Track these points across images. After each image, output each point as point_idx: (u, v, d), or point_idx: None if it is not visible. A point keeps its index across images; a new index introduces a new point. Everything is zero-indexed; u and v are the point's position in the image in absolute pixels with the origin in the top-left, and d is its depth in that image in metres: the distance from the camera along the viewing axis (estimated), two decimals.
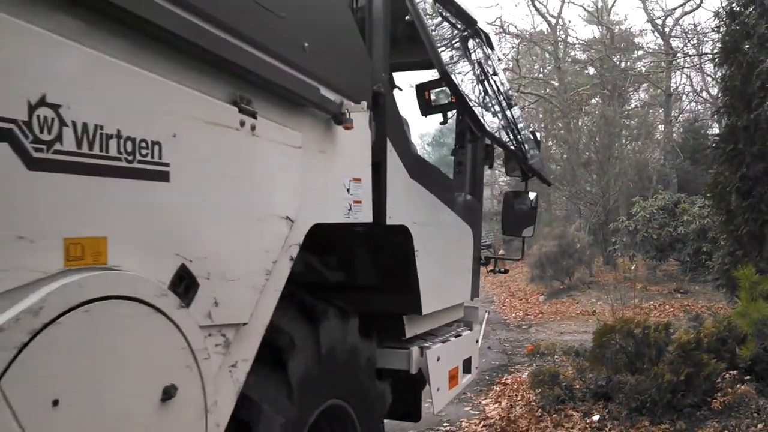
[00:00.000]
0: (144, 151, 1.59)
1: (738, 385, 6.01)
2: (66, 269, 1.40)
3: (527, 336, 12.45)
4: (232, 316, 1.96)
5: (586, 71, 31.48)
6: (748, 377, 6.29)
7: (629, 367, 6.26)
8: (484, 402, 7.56)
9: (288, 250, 2.24)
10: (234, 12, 1.87)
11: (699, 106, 32.59)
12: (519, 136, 4.43)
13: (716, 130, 30.59)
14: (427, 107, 4.50)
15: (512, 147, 4.19)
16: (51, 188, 1.37)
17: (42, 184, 1.35)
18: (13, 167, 1.28)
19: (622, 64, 29.39)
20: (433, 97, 4.40)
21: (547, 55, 32.55)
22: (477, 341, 5.03)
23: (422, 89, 4.49)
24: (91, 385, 1.46)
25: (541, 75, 33.23)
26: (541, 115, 31.29)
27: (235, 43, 1.86)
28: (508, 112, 4.35)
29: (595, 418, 6.11)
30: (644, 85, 31.52)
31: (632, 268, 16.03)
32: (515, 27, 36.84)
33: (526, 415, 6.50)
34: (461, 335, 4.50)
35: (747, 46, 8.04)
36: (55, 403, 1.36)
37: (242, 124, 1.95)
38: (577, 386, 6.90)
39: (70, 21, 1.41)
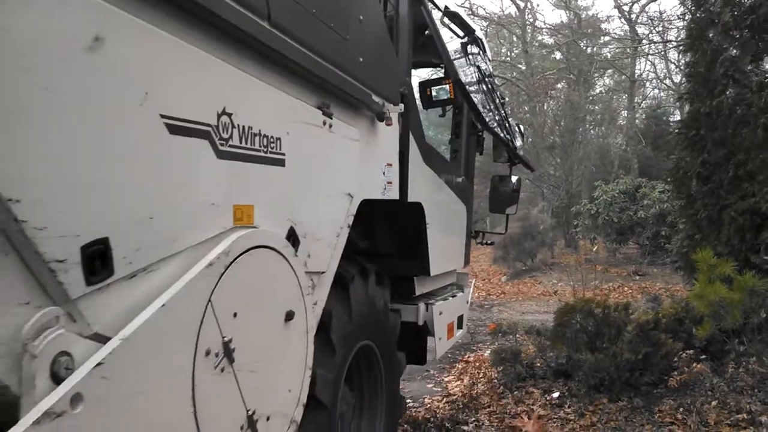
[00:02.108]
0: (272, 145, 2.16)
1: (694, 364, 6.17)
2: (234, 227, 1.97)
3: (489, 315, 12.57)
4: (318, 266, 2.60)
5: (552, 56, 31.67)
6: (704, 356, 6.46)
7: (589, 346, 6.35)
8: (446, 379, 7.64)
9: (348, 218, 2.87)
10: (322, 38, 2.43)
11: (662, 93, 33.12)
12: (509, 128, 5.54)
13: (678, 117, 31.21)
14: (428, 102, 5.03)
15: (504, 138, 5.20)
16: (227, 171, 1.92)
17: (223, 167, 1.90)
18: (209, 157, 1.83)
19: (589, 50, 29.62)
20: (434, 93, 4.99)
21: (515, 39, 32.59)
22: (467, 302, 5.89)
23: (425, 86, 5.02)
24: (252, 305, 2.04)
25: (508, 58, 33.31)
26: (507, 99, 31.28)
27: (322, 62, 2.40)
28: (500, 108, 5.34)
29: (555, 395, 6.21)
30: (609, 71, 31.86)
31: (594, 249, 16.27)
32: (484, 9, 36.92)
33: (487, 392, 6.57)
34: (456, 296, 5.30)
35: (711, 34, 8.13)
36: (235, 315, 1.92)
37: (324, 123, 2.56)
38: (538, 364, 7.00)
39: (240, 58, 1.99)
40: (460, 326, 5.45)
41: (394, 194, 3.48)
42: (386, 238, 4.20)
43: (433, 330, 4.51)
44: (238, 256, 1.93)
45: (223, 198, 1.92)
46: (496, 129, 5.18)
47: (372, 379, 3.72)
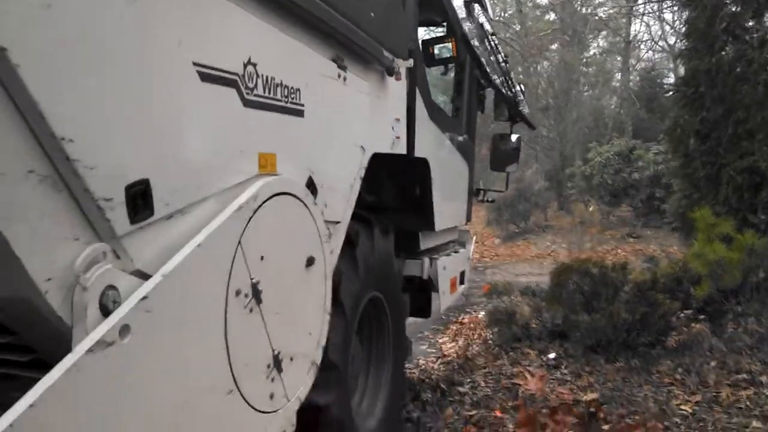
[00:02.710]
0: (292, 95, 2.23)
1: (692, 325, 6.11)
2: (259, 174, 2.04)
3: (483, 277, 12.53)
4: (334, 215, 2.68)
5: (546, 16, 31.24)
6: (702, 317, 6.41)
7: (585, 307, 6.28)
8: (441, 341, 7.59)
9: (360, 170, 2.95)
10: None
11: (656, 56, 32.82)
12: (511, 86, 5.76)
13: (672, 80, 31.08)
14: (431, 60, 5.04)
15: (507, 95, 5.45)
16: (252, 119, 1.99)
17: (249, 116, 1.97)
18: (237, 105, 1.90)
19: (583, 10, 29.20)
20: (436, 51, 5.00)
21: None
22: (469, 258, 6.10)
23: (427, 44, 5.01)
24: (277, 249, 2.11)
25: (502, 19, 32.84)
26: (508, 57, 30.90)
27: (337, 16, 2.44)
28: (503, 66, 5.60)
29: (551, 356, 6.16)
30: (603, 32, 31.49)
31: (590, 210, 16.21)
32: None
33: (482, 354, 6.52)
34: (458, 252, 5.46)
35: None
36: (262, 258, 1.99)
37: (339, 76, 2.63)
38: (534, 325, 6.94)
39: (262, 10, 2.04)
40: (462, 282, 5.63)
41: (401, 149, 3.56)
42: (392, 193, 4.25)
43: (437, 284, 4.64)
44: (265, 202, 2.01)
45: (249, 145, 2.00)
46: (499, 86, 5.30)
47: (379, 326, 3.84)
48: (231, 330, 1.83)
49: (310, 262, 2.36)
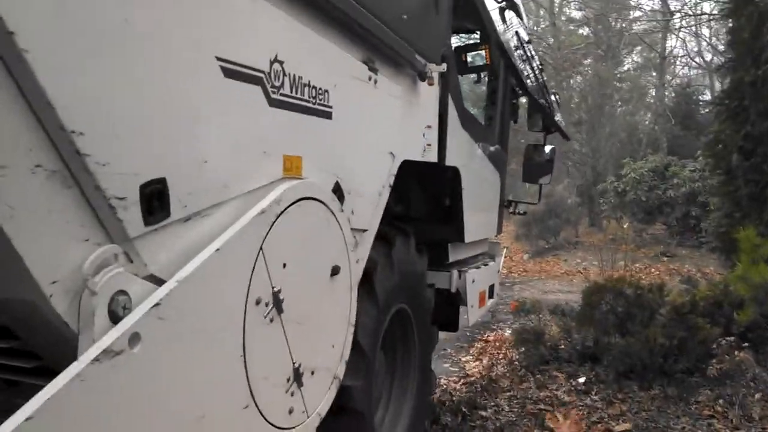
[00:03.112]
0: (320, 96, 2.15)
1: (735, 352, 5.71)
2: (284, 177, 1.96)
3: (511, 293, 12.21)
4: (361, 223, 2.59)
5: (581, 30, 30.89)
6: (745, 344, 6.00)
7: (619, 329, 5.97)
8: (464, 359, 7.27)
9: (389, 178, 2.85)
10: None
11: (692, 72, 32.34)
12: (547, 95, 5.62)
13: (708, 96, 30.66)
14: (463, 67, 4.88)
15: (542, 103, 5.33)
16: (278, 119, 1.92)
17: (274, 115, 1.90)
18: (261, 103, 1.83)
19: (618, 25, 28.83)
20: (469, 59, 4.89)
21: (542, 12, 31.79)
22: (498, 271, 5.89)
23: (460, 51, 4.84)
24: (301, 257, 2.03)
25: (535, 33, 32.51)
26: (543, 65, 30.59)
27: (370, 17, 2.37)
28: (538, 74, 5.42)
29: (581, 380, 5.83)
30: (638, 48, 31.11)
31: (625, 227, 15.82)
32: None
33: (508, 375, 6.21)
34: (488, 264, 5.29)
35: None
36: (284, 265, 1.90)
37: (369, 78, 2.56)
38: (563, 347, 6.62)
39: (291, 6, 1.97)
40: (491, 295, 5.48)
41: (432, 157, 3.43)
42: (421, 203, 4.14)
43: (466, 298, 4.50)
44: (289, 206, 1.93)
45: (273, 147, 1.92)
46: (534, 94, 5.19)
47: (406, 349, 3.70)
48: (249, 341, 1.75)
49: (335, 271, 2.28)
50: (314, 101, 2.12)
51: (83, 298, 1.33)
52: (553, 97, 6.28)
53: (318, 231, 2.17)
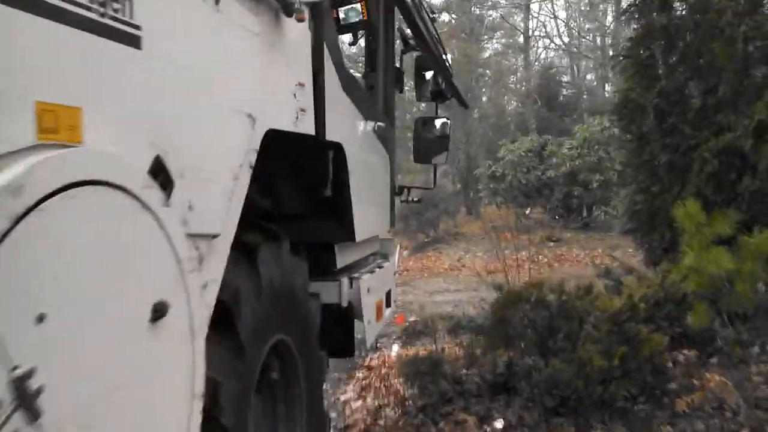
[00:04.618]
0: (115, 5, 1.38)
1: (703, 372, 4.38)
2: (37, 143, 1.16)
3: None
4: (207, 224, 1.81)
5: (440, 18, 30.88)
6: (712, 359, 4.70)
7: (540, 348, 4.54)
8: (344, 398, 5.89)
9: (249, 154, 2.13)
10: None
11: (552, 53, 33.35)
12: (445, 57, 5.12)
13: (567, 78, 31.77)
14: (336, 26, 4.07)
15: (443, 63, 4.91)
16: (26, 36, 1.14)
17: (17, 26, 1.11)
18: None
19: (477, 12, 29.48)
20: (342, 15, 4.00)
21: None
22: (395, 273, 5.17)
23: (331, 7, 4.20)
24: (78, 295, 1.22)
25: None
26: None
27: None
28: (434, 32, 4.77)
29: (498, 425, 4.42)
30: (498, 33, 31.80)
31: (526, 213, 15.19)
32: None
33: (401, 425, 4.68)
34: (383, 267, 4.44)
35: None
36: (40, 319, 1.11)
37: None
38: (468, 374, 5.21)
39: None
40: (388, 304, 4.61)
41: (308, 128, 2.71)
42: (296, 193, 3.29)
43: (361, 311, 3.70)
44: (46, 199, 1.11)
45: (14, 87, 1.10)
46: (434, 50, 4.65)
47: (288, 387, 2.90)
48: None
49: (159, 311, 1.44)
50: (104, 12, 1.30)
51: None
52: (448, 56, 5.53)
53: (117, 244, 1.33)
